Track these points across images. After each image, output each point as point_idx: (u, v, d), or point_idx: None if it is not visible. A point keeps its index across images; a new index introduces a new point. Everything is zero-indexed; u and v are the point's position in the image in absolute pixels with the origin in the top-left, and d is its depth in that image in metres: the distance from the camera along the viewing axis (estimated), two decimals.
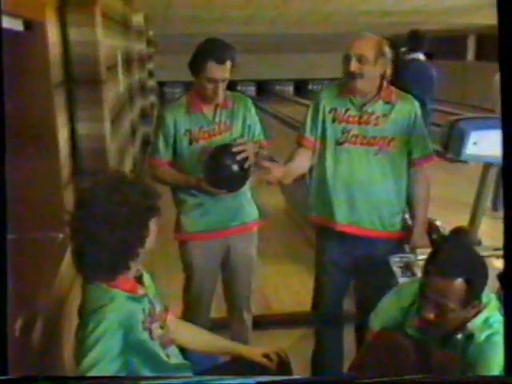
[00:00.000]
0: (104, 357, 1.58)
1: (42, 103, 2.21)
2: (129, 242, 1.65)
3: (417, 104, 2.54)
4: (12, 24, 1.77)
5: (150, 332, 1.72)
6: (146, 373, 1.72)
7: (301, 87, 19.78)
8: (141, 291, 1.75)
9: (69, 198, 2.53)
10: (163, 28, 12.37)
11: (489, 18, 8.83)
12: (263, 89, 18.68)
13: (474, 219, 2.71)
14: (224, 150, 2.52)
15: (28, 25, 1.96)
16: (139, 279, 1.80)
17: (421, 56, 4.74)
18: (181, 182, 2.60)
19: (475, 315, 1.84)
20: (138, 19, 8.06)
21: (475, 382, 1.68)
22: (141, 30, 8.48)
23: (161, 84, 14.78)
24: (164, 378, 1.72)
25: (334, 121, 2.52)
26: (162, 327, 1.81)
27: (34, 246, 2.19)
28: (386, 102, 2.49)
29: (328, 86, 2.66)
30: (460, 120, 2.39)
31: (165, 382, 1.66)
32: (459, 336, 1.83)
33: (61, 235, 2.35)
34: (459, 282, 1.77)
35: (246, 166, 2.47)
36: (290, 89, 19.51)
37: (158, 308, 1.83)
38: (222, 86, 2.55)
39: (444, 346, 1.88)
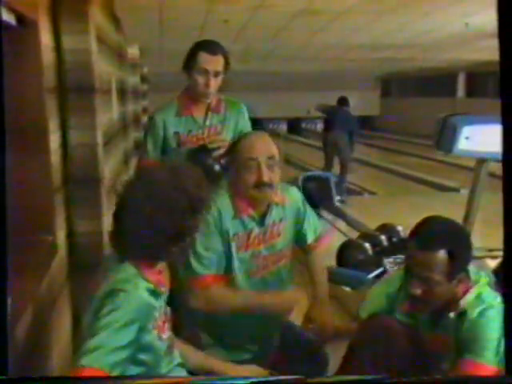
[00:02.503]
0: (111, 342, 1.52)
1: (35, 104, 2.21)
2: (181, 229, 1.62)
3: (298, 193, 2.30)
4: (5, 17, 1.77)
5: (162, 332, 1.66)
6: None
7: (294, 126, 20.00)
8: (163, 288, 1.70)
9: (59, 204, 2.52)
10: (158, 66, 12.54)
11: (477, 52, 8.97)
12: (256, 127, 18.83)
13: (468, 215, 2.70)
14: (200, 148, 2.55)
15: (20, 20, 1.97)
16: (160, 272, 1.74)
17: (346, 108, 8.21)
18: None
19: (465, 292, 1.82)
20: (132, 52, 8.17)
21: (476, 382, 1.65)
22: (135, 64, 8.59)
23: None
24: (160, 377, 1.66)
25: (239, 249, 2.11)
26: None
27: (24, 248, 2.16)
28: (277, 204, 2.18)
29: (217, 197, 2.10)
30: (452, 115, 2.39)
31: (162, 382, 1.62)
32: (452, 314, 1.81)
33: (50, 238, 2.33)
34: (441, 253, 1.76)
35: (222, 162, 2.43)
36: (284, 127, 19.71)
37: (168, 310, 1.78)
38: (213, 81, 2.53)
39: (435, 328, 1.85)
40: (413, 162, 11.62)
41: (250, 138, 2.14)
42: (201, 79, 2.52)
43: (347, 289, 3.70)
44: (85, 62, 2.63)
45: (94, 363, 1.49)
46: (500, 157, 1.49)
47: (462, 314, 1.80)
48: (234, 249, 2.11)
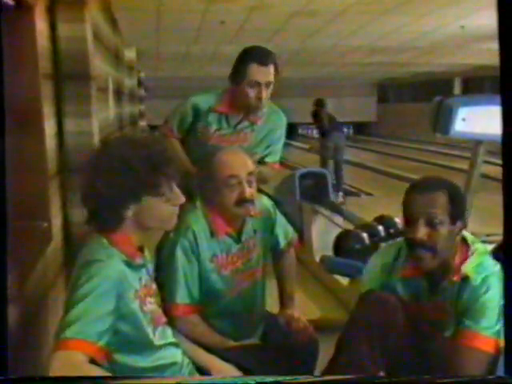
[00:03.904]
0: (92, 311, 1.50)
1: (29, 88, 2.20)
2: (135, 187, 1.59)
3: (268, 200, 2.29)
4: None
5: (143, 303, 1.63)
6: (130, 346, 1.64)
7: (291, 131, 20.06)
8: (139, 260, 1.68)
9: (55, 191, 2.51)
10: (154, 70, 12.57)
11: (473, 55, 9.00)
12: None
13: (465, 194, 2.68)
14: None
15: (17, 2, 1.97)
16: (140, 249, 1.72)
17: (325, 109, 8.29)
18: None
19: (465, 259, 1.82)
20: (129, 54, 8.19)
21: (476, 382, 1.64)
22: (132, 66, 8.61)
23: (152, 127, 14.90)
24: (160, 377, 1.65)
25: (219, 271, 2.11)
26: (158, 305, 1.75)
27: (17, 233, 2.14)
28: (251, 216, 2.17)
29: (191, 219, 2.09)
30: (448, 97, 2.39)
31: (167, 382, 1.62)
32: (454, 278, 1.80)
33: (45, 224, 2.32)
34: (441, 193, 1.81)
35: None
36: None
37: (154, 286, 1.77)
38: (265, 92, 2.42)
39: (435, 294, 1.84)
40: (410, 166, 11.66)
41: (228, 156, 2.11)
42: (252, 92, 2.41)
43: (343, 280, 3.69)
44: (81, 50, 2.64)
45: (77, 334, 1.47)
46: (497, 139, 1.49)
47: (465, 280, 1.80)
48: (213, 271, 2.10)
